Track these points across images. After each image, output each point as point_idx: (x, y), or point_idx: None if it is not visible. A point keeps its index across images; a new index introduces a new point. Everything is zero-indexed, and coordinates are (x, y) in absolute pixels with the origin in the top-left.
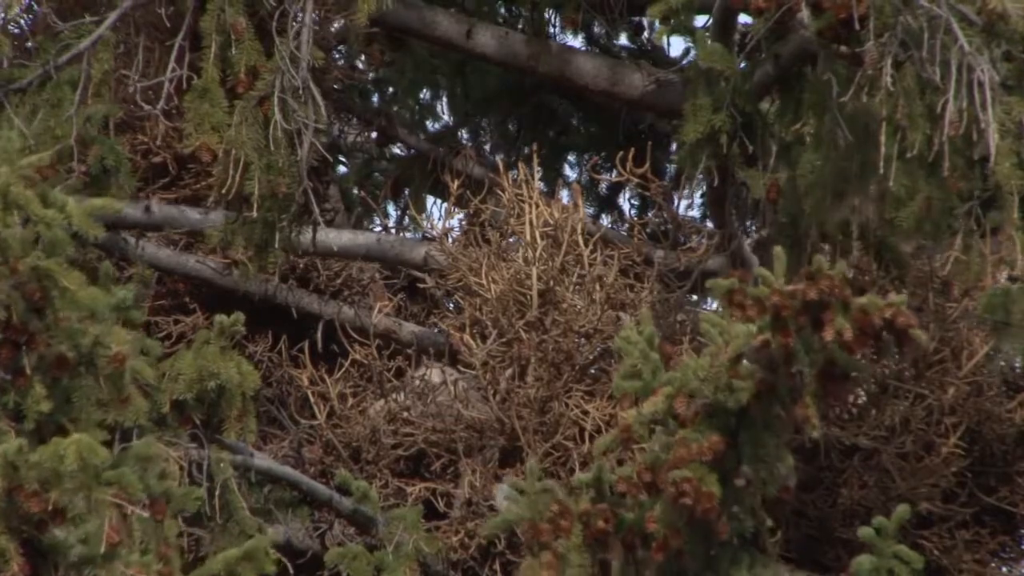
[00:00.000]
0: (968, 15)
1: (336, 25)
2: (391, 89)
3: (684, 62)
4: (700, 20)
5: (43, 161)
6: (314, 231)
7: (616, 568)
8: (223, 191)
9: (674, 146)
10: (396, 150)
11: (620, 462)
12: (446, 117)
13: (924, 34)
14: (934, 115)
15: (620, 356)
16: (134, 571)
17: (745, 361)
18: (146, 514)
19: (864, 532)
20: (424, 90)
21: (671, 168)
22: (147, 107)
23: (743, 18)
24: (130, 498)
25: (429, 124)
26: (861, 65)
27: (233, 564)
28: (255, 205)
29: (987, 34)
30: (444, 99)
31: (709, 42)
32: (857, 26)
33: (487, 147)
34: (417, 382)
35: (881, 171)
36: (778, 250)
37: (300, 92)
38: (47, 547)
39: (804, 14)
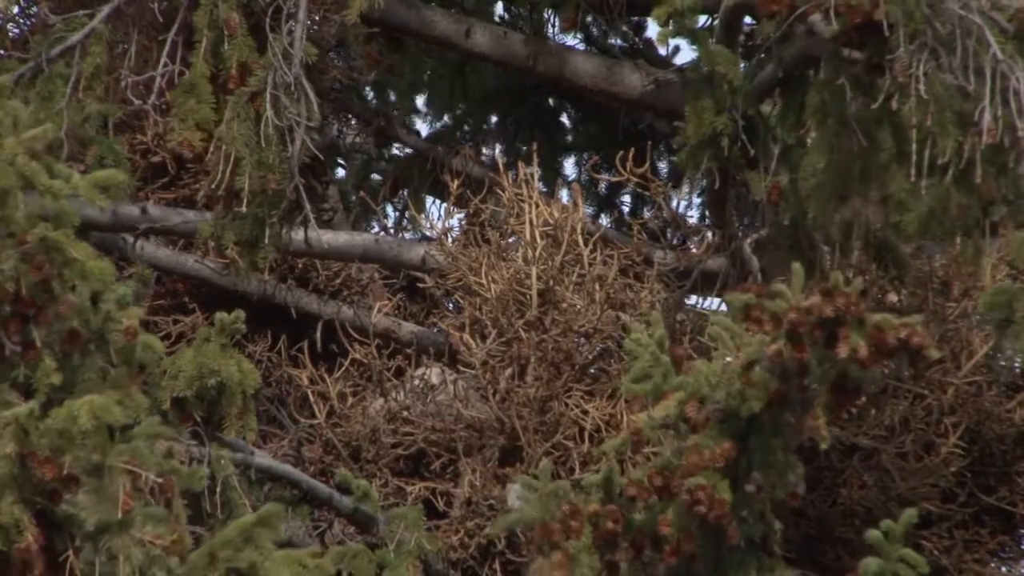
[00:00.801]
0: (1000, 22)
1: (332, 23)
2: (390, 90)
3: (677, 60)
4: (700, 21)
5: (48, 133)
6: (306, 228)
7: (624, 569)
8: (213, 186)
9: (665, 146)
10: (395, 150)
11: (620, 461)
12: (445, 117)
13: (957, 42)
14: (964, 122)
15: (630, 358)
16: (150, 537)
17: (758, 368)
18: (160, 480)
19: (872, 535)
20: (423, 91)
21: (666, 167)
22: (138, 102)
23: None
24: (143, 465)
25: (428, 125)
26: (877, 71)
27: (249, 530)
28: (245, 201)
29: (1019, 41)
30: (442, 99)
31: (712, 44)
32: (887, 32)
33: (486, 147)
34: (416, 382)
35: (912, 177)
36: (796, 266)
37: (292, 88)
38: (61, 518)
39: (816, 18)
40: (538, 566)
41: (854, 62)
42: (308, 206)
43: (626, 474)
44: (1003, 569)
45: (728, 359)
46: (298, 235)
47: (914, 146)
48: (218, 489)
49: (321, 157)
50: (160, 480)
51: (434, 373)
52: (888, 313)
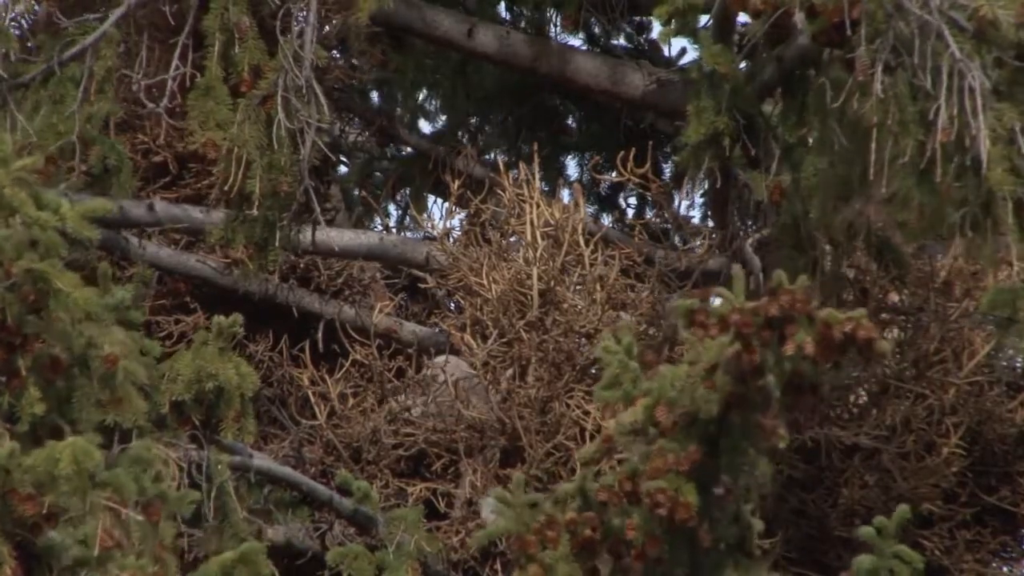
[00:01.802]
0: (959, 21)
1: (335, 23)
2: (392, 89)
3: (681, 62)
4: (701, 21)
5: (37, 163)
6: (314, 230)
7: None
8: (225, 189)
9: (669, 146)
10: (397, 150)
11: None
12: (446, 117)
13: (915, 40)
14: (926, 121)
15: (603, 366)
16: (128, 574)
17: (720, 371)
18: (140, 517)
19: (864, 532)
20: (424, 90)
21: (668, 167)
22: (150, 105)
23: (742, 19)
24: (124, 501)
25: (429, 124)
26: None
27: (229, 567)
28: (256, 203)
29: (978, 40)
30: (444, 99)
31: (712, 43)
32: (849, 31)
33: (488, 147)
34: (438, 371)
35: (872, 177)
36: (737, 268)
37: (303, 91)
38: (41, 550)
39: (799, 18)
40: None
41: (839, 60)
42: (318, 208)
43: (598, 480)
44: (1005, 569)
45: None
46: (306, 236)
47: (873, 145)
48: (213, 493)
49: (333, 158)
50: (140, 518)
51: (450, 367)
52: (838, 309)
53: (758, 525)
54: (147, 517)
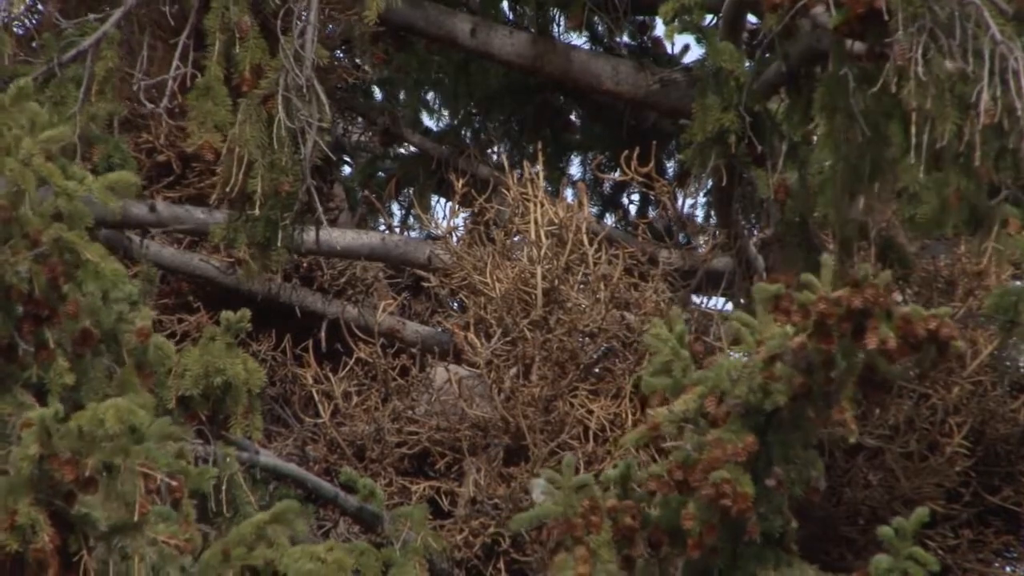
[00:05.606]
0: (999, 4)
1: (340, 23)
2: (396, 88)
3: (684, 60)
4: (706, 19)
5: (64, 136)
6: (317, 230)
7: (640, 565)
8: (227, 189)
9: (672, 145)
10: (400, 149)
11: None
12: (449, 117)
13: (956, 24)
14: (963, 105)
15: (650, 352)
16: (164, 538)
17: (781, 363)
18: (174, 482)
19: (883, 532)
20: (427, 90)
21: (672, 166)
22: (150, 105)
23: (750, 17)
24: (155, 466)
25: (433, 124)
26: (880, 60)
27: (263, 527)
28: (258, 203)
29: (1018, 23)
30: (448, 98)
31: (719, 41)
32: (887, 16)
33: (491, 146)
34: (435, 381)
35: (912, 160)
36: (826, 258)
37: (304, 91)
38: (75, 518)
39: (819, 10)
40: (560, 561)
41: (857, 56)
42: (320, 208)
43: (645, 468)
44: (1007, 569)
45: (746, 354)
46: (308, 236)
47: (914, 129)
48: (223, 488)
49: (334, 158)
50: (173, 482)
51: (439, 373)
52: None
53: (793, 521)
54: (172, 492)
